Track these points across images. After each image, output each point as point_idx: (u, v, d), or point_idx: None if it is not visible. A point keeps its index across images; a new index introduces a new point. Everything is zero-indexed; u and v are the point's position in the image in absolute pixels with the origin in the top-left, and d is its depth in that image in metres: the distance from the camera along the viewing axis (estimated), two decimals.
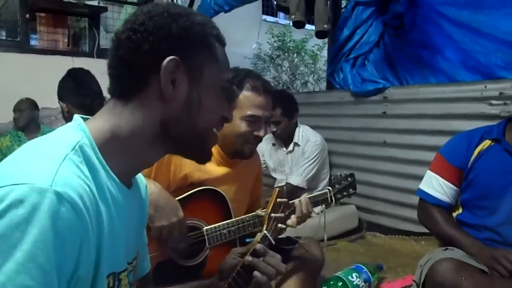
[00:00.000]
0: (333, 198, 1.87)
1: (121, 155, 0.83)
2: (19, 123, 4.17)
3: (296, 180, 3.28)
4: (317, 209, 3.38)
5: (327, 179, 3.64)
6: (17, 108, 4.14)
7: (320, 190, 3.49)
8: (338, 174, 1.94)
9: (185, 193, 1.64)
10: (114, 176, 0.81)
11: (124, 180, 0.85)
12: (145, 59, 0.81)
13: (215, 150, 1.75)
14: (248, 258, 1.12)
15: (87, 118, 0.86)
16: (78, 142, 0.75)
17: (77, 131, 0.79)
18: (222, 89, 0.91)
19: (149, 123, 0.83)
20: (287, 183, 3.29)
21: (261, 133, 1.73)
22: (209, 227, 1.65)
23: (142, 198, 1.01)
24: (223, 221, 1.67)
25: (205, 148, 0.94)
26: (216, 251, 1.64)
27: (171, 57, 0.81)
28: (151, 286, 1.16)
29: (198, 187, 1.68)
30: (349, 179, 1.92)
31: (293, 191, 3.14)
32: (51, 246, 0.63)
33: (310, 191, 3.46)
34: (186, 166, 1.68)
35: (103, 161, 0.79)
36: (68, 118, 2.38)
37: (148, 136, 0.84)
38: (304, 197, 1.78)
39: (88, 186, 0.71)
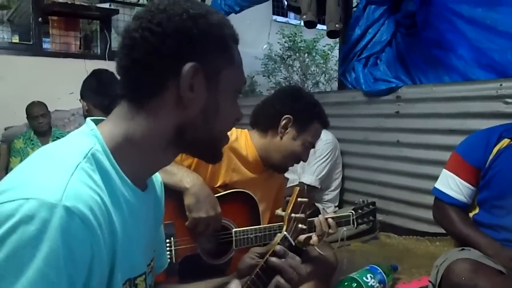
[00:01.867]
0: (355, 222, 1.94)
1: (135, 160, 0.81)
2: (42, 128, 4.17)
3: (309, 179, 3.26)
4: (330, 209, 3.37)
5: (340, 178, 3.61)
6: (38, 113, 4.13)
7: (332, 190, 3.52)
8: (361, 200, 2.02)
9: (219, 192, 1.69)
10: (128, 181, 0.80)
11: (138, 183, 0.84)
12: (164, 64, 0.79)
13: (252, 156, 1.83)
14: (272, 259, 1.08)
15: (101, 120, 0.85)
16: (90, 149, 0.75)
17: (90, 137, 0.78)
18: (237, 92, 0.91)
19: (164, 128, 0.82)
20: (300, 182, 3.26)
21: (305, 159, 1.88)
22: (238, 229, 1.68)
23: (157, 196, 1.01)
24: (251, 225, 1.71)
25: (218, 150, 0.93)
26: (240, 254, 1.64)
27: (192, 63, 0.79)
28: (175, 278, 1.16)
29: (230, 187, 1.73)
30: (370, 206, 1.99)
31: (307, 191, 3.11)
32: (62, 263, 0.63)
33: (323, 191, 3.45)
34: (224, 165, 1.75)
35: (117, 167, 0.78)
36: (87, 117, 2.41)
37: (162, 140, 0.83)
38: (323, 217, 1.81)
39: (100, 196, 0.71)
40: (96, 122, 0.83)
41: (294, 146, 1.82)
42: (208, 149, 0.91)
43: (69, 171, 0.69)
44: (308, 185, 3.22)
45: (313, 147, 1.89)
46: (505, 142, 1.82)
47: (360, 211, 1.95)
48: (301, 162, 3.36)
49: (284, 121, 1.80)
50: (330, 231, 1.80)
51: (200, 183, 1.58)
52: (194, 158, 1.66)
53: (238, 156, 1.79)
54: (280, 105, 1.84)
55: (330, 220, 1.81)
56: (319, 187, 3.30)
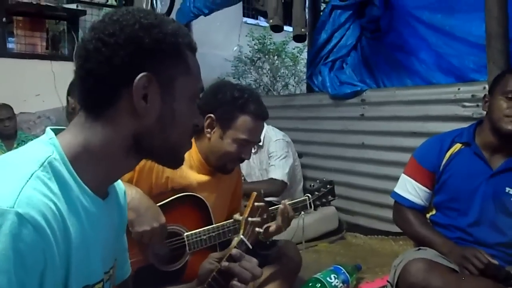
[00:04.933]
0: (312, 205, 1.89)
1: (94, 168, 0.83)
2: (8, 131, 4.07)
3: (279, 174, 3.15)
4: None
5: (300, 177, 3.57)
6: (4, 116, 4.01)
7: (295, 189, 3.45)
8: (317, 181, 1.97)
9: (166, 199, 1.65)
10: (88, 189, 0.81)
11: (99, 192, 0.85)
12: (116, 74, 0.80)
13: (196, 158, 1.77)
14: (224, 263, 1.12)
15: (62, 130, 0.86)
16: (47, 158, 0.76)
17: (48, 146, 0.79)
18: (193, 98, 0.92)
19: (121, 137, 0.83)
20: (271, 178, 3.14)
21: (247, 157, 1.76)
22: (189, 233, 1.66)
23: (120, 205, 1.02)
24: (204, 227, 1.68)
25: (179, 156, 0.95)
26: (196, 256, 1.65)
27: (143, 73, 0.80)
28: None
29: (179, 193, 1.68)
30: (328, 186, 1.95)
31: (280, 187, 3.08)
32: (11, 267, 0.64)
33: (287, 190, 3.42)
34: (168, 172, 1.68)
35: (75, 175, 0.79)
36: (72, 114, 2.38)
37: (120, 149, 0.84)
38: (284, 204, 1.79)
39: (55, 204, 0.72)
40: (56, 132, 0.84)
41: (224, 145, 1.70)
42: (167, 155, 0.93)
43: (23, 179, 0.70)
44: (281, 181, 3.11)
45: (253, 143, 1.76)
46: (457, 147, 1.91)
47: (316, 193, 1.91)
48: (259, 165, 3.36)
49: (207, 121, 1.70)
50: (290, 216, 1.78)
51: (139, 197, 1.53)
52: (135, 171, 1.61)
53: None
54: (203, 104, 1.69)
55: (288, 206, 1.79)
56: (288, 182, 3.20)
